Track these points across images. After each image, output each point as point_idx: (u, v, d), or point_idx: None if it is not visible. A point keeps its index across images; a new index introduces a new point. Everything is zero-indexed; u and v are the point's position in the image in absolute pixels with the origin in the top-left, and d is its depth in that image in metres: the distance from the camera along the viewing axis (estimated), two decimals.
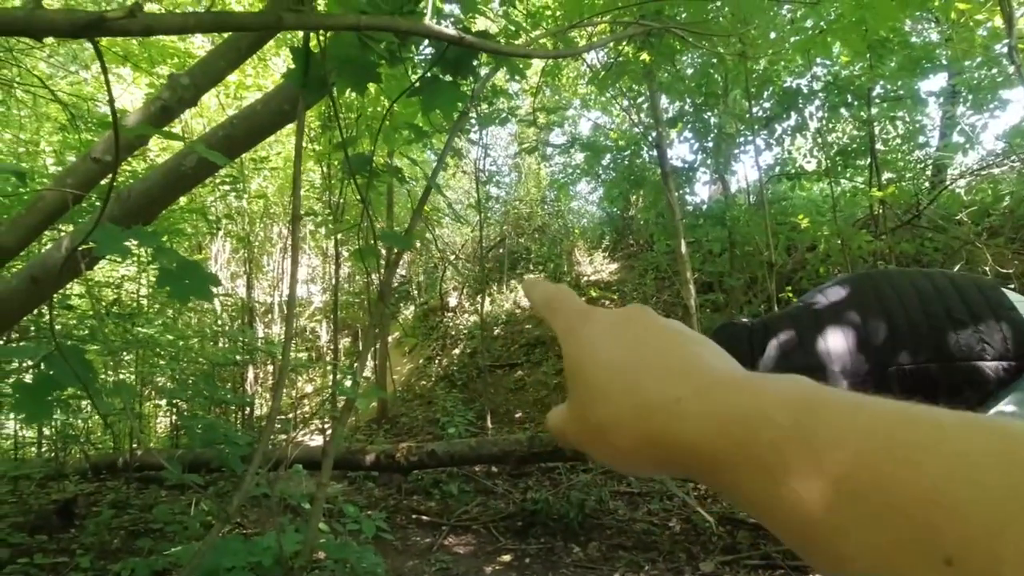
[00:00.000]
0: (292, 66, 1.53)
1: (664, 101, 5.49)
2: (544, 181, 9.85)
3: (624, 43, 3.85)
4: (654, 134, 4.58)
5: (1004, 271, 5.33)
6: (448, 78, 1.71)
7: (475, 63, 1.74)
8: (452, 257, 9.14)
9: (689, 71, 5.50)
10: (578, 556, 2.91)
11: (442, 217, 8.48)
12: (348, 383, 1.61)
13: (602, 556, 2.87)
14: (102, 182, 1.58)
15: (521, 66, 2.44)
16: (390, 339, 8.48)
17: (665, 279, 7.01)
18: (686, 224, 4.82)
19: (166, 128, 1.78)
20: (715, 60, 5.03)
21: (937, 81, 6.91)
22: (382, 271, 1.85)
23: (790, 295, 5.07)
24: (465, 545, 3.21)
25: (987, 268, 4.99)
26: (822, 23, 3.45)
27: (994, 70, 5.12)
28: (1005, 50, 3.30)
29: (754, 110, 5.14)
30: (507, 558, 2.94)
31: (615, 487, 3.95)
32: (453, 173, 8.19)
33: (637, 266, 7.70)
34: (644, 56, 3.90)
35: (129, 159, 3.60)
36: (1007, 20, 2.84)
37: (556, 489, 3.87)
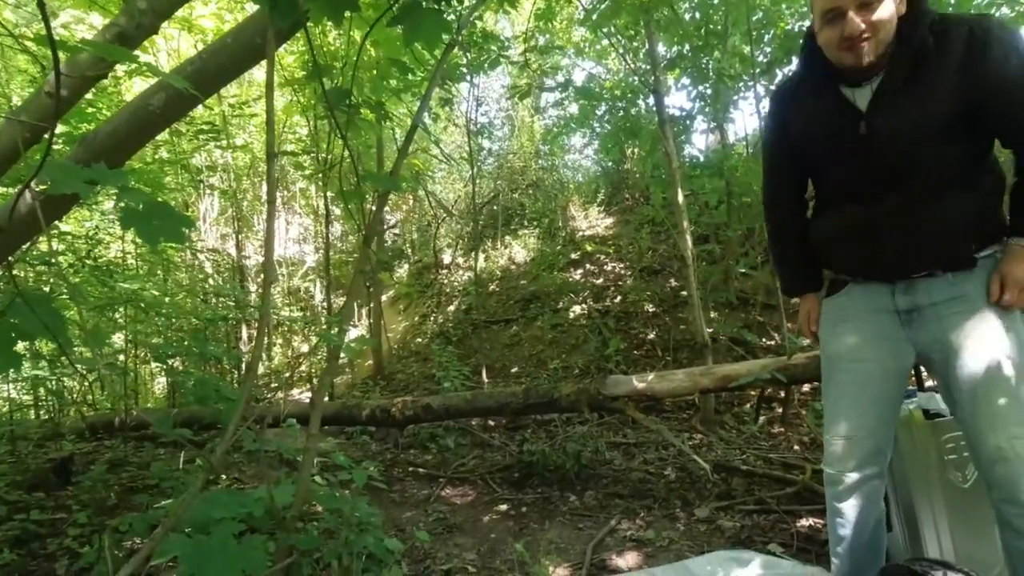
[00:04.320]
0: None
1: (661, 47, 5.28)
2: (538, 135, 9.62)
3: None
4: (651, 80, 4.41)
5: None
6: (431, 5, 1.59)
7: None
8: (445, 214, 9.01)
9: (687, 15, 5.28)
10: (574, 504, 2.93)
11: (434, 171, 8.30)
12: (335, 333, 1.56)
13: (598, 504, 2.89)
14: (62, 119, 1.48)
15: None
16: (385, 297, 8.44)
17: (661, 232, 6.93)
18: (683, 174, 4.70)
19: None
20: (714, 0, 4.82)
21: None
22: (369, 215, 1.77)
23: None
24: (462, 496, 3.24)
25: None
26: None
27: None
28: None
29: (755, 55, 4.95)
30: (504, 507, 2.97)
31: (611, 438, 3.98)
32: (444, 126, 7.97)
33: (632, 220, 7.60)
34: None
35: (98, 103, 3.44)
36: None
37: (552, 441, 3.89)
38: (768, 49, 5.22)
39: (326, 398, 3.27)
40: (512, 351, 6.27)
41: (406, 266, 9.21)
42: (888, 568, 1.46)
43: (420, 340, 7.13)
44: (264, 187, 8.32)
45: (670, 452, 3.58)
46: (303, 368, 6.80)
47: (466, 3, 2.23)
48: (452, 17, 2.03)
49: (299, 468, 1.50)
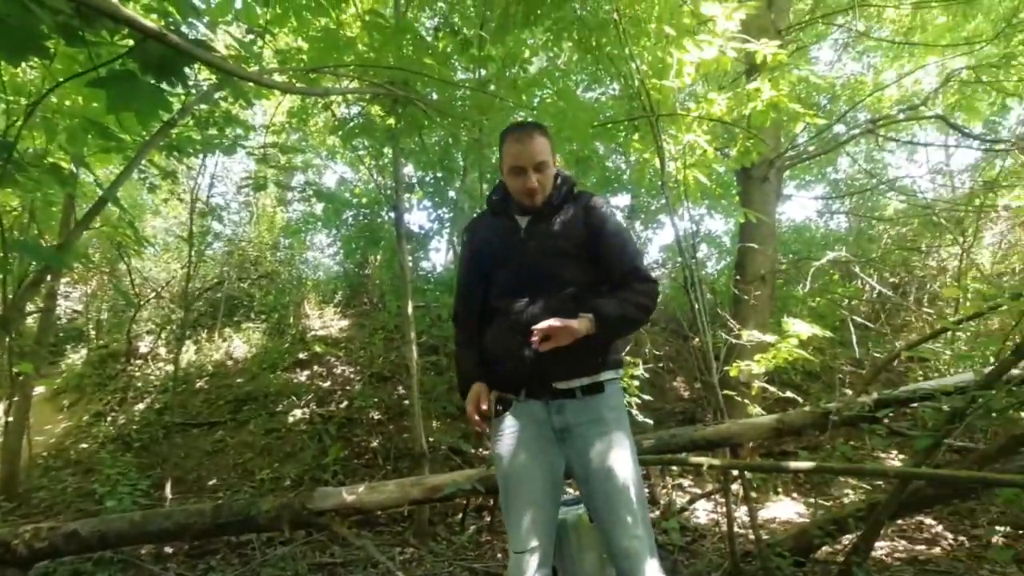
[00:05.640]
0: None
1: (409, 169, 5.75)
2: (279, 226, 9.23)
3: (372, 103, 3.95)
4: (393, 197, 4.71)
5: (658, 352, 6.78)
6: (150, 80, 1.49)
7: (189, 71, 1.55)
8: (152, 295, 7.74)
9: (435, 148, 5.91)
10: None
11: (144, 247, 7.20)
12: None
13: None
14: None
15: (250, 93, 2.27)
16: (43, 390, 6.63)
17: (394, 339, 7.07)
18: (415, 287, 4.99)
19: None
20: (456, 143, 5.51)
21: (624, 199, 8.71)
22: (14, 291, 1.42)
23: None
24: None
25: (646, 350, 6.28)
26: None
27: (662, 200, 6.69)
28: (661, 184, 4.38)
29: (487, 193, 5.73)
30: None
31: (317, 558, 3.64)
32: (166, 199, 7.09)
33: (368, 325, 7.62)
34: (391, 121, 4.04)
35: None
36: (661, 161, 3.77)
37: (246, 567, 3.38)
38: None
39: None
40: (213, 460, 5.43)
41: (84, 351, 7.47)
42: None
43: (86, 446, 5.69)
44: None
45: (379, 570, 3.41)
46: None
47: (203, 76, 2.13)
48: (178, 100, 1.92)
49: None
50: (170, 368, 6.64)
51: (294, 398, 6.09)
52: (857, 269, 6.78)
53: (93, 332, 7.77)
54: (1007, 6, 6.31)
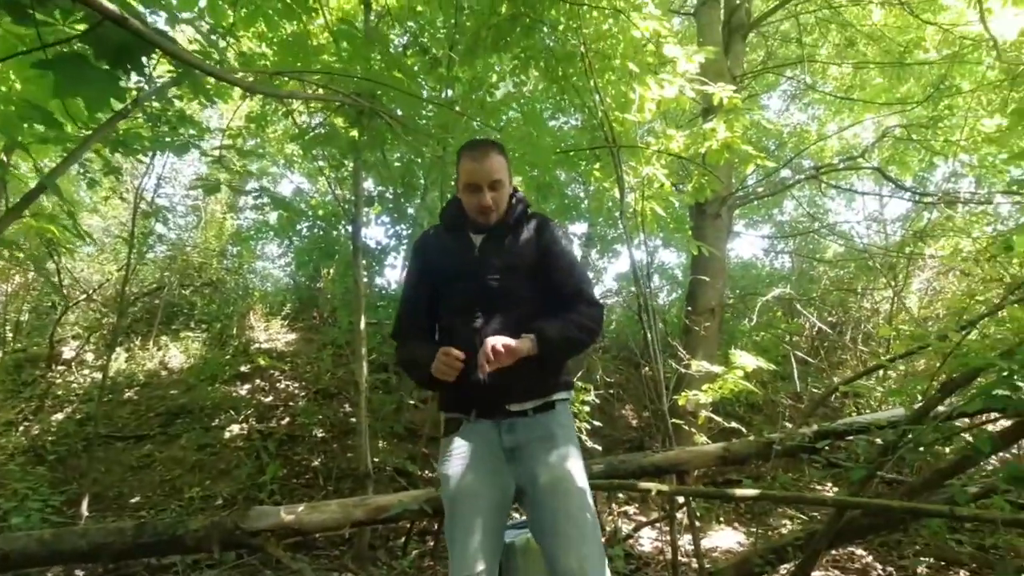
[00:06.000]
0: None
1: (369, 183, 5.67)
2: (228, 233, 8.90)
3: (336, 114, 3.89)
4: (352, 210, 4.63)
5: (609, 379, 6.86)
6: (103, 64, 1.42)
7: (147, 60, 1.49)
8: (82, 296, 7.29)
9: (397, 164, 5.86)
10: None
11: (84, 242, 6.76)
12: None
13: None
14: None
15: (211, 90, 2.20)
16: None
17: (343, 356, 6.87)
18: (368, 302, 4.89)
19: None
20: (418, 160, 5.49)
21: (581, 227, 8.86)
22: None
23: None
24: None
25: (597, 376, 6.35)
26: None
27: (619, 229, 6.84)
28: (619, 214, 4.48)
29: None
30: None
31: None
32: (107, 197, 6.73)
33: (317, 340, 7.39)
34: (354, 133, 4.00)
35: None
36: (620, 191, 3.86)
37: None
38: None
39: None
40: (138, 475, 5.08)
41: None
42: None
43: None
44: None
45: None
46: None
47: (159, 71, 2.04)
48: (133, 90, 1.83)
49: None
50: (96, 376, 6.23)
51: (232, 412, 5.81)
52: (799, 307, 7.11)
53: (11, 334, 7.21)
54: (936, 73, 6.87)
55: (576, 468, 1.58)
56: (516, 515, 2.14)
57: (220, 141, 4.54)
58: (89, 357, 6.84)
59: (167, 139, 3.50)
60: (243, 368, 6.61)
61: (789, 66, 7.78)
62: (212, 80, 2.08)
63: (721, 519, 4.91)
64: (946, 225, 6.89)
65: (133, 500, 4.76)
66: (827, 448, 3.05)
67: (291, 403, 6.13)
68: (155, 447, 5.44)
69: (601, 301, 1.78)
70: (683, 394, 3.93)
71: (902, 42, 6.84)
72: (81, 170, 4.32)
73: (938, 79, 6.63)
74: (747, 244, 28.66)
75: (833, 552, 3.86)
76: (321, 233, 5.74)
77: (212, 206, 8.97)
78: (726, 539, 4.56)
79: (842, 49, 7.59)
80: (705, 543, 4.31)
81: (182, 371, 6.73)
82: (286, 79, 2.39)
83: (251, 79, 2.11)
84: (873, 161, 7.01)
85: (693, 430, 4.01)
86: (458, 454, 1.63)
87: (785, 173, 7.77)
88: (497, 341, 1.50)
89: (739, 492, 2.38)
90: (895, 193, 7.81)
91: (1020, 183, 5.45)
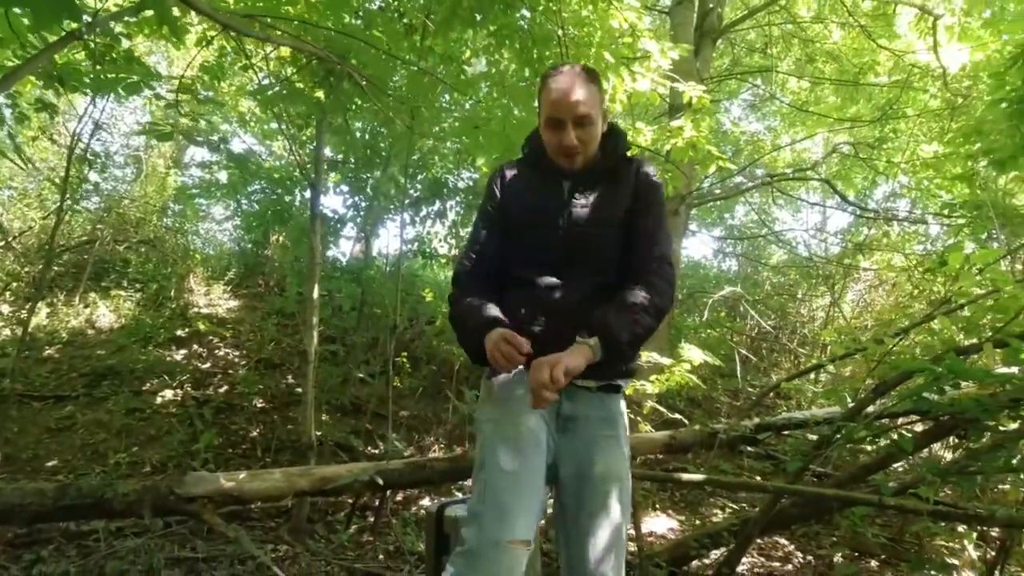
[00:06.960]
0: None
1: (328, 150, 5.47)
2: (171, 190, 8.41)
3: (302, 71, 3.72)
4: (312, 174, 4.46)
5: None
6: None
7: None
8: (0, 242, 6.73)
9: (359, 133, 5.68)
10: None
11: (24, 166, 6.20)
12: None
13: None
14: None
15: (179, 21, 2.05)
16: None
17: (289, 326, 6.66)
18: (322, 273, 4.74)
19: None
20: (383, 129, 5.34)
21: None
22: None
23: (404, 359, 5.44)
24: None
25: None
26: (476, 127, 4.05)
27: None
28: None
29: (408, 186, 5.59)
30: None
31: (177, 551, 3.28)
32: (35, 136, 6.20)
33: (261, 308, 7.12)
34: (319, 93, 3.83)
35: None
36: None
37: (86, 560, 2.98)
38: (420, 187, 5.99)
39: None
40: (57, 438, 4.76)
41: None
42: None
43: None
44: None
45: (247, 567, 3.14)
46: None
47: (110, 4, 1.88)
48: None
49: None
50: (14, 330, 5.79)
51: (166, 377, 5.52)
52: (747, 307, 7.41)
53: None
54: (885, 96, 7.26)
55: (627, 464, 1.45)
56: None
57: (167, 89, 4.26)
58: (4, 309, 6.34)
59: (114, 77, 3.24)
60: (180, 332, 6.30)
61: (752, 74, 8.04)
62: (177, 12, 1.93)
63: (657, 506, 5.08)
64: (882, 240, 7.34)
65: (50, 463, 4.46)
66: (767, 440, 3.20)
67: (230, 371, 5.89)
68: (77, 409, 5.11)
69: None
70: (631, 383, 4.02)
71: (857, 63, 7.19)
72: (9, 103, 3.95)
73: (887, 102, 7.01)
74: (698, 244, 29.63)
75: (759, 541, 4.07)
76: (275, 197, 5.51)
77: (155, 159, 8.45)
78: (660, 525, 4.72)
79: (802, 64, 7.90)
80: (642, 527, 4.46)
81: (111, 331, 6.34)
82: (258, 19, 2.24)
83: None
84: (820, 174, 7.36)
85: (639, 419, 4.11)
86: (520, 393, 1.36)
87: (739, 179, 8.05)
88: (559, 368, 1.23)
89: (686, 476, 2.47)
90: (839, 206, 8.25)
91: (951, 207, 5.86)
